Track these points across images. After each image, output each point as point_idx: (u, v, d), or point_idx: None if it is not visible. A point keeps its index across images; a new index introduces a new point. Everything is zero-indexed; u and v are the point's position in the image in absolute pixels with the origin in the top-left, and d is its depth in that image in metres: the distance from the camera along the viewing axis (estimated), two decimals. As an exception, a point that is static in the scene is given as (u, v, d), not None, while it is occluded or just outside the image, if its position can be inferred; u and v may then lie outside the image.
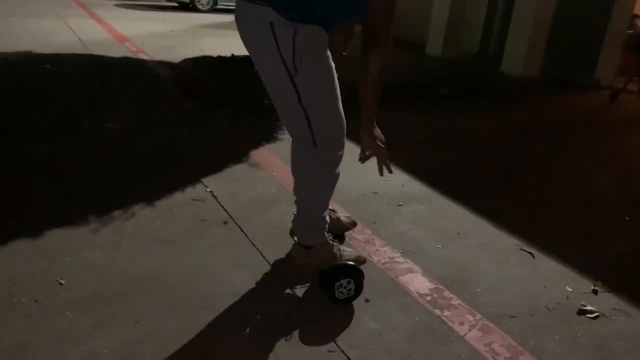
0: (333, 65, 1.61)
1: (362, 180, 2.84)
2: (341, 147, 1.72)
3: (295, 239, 1.93)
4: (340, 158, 1.73)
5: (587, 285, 2.05)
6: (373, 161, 1.81)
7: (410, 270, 2.06)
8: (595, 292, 2.01)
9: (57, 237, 2.09)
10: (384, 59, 1.60)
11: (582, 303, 1.92)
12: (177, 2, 11.74)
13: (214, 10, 11.65)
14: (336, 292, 1.79)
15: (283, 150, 3.10)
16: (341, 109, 1.67)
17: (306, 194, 1.80)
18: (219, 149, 3.27)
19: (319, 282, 1.84)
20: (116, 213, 2.33)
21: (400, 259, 2.14)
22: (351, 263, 1.84)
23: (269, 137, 3.53)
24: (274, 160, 3.13)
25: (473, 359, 1.60)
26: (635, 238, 2.58)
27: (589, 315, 1.86)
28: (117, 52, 5.97)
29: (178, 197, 2.55)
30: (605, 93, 6.20)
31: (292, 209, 1.90)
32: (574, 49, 6.71)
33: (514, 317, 1.82)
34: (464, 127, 4.33)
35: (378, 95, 1.67)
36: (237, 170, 2.95)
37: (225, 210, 2.44)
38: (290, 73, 1.53)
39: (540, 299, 1.94)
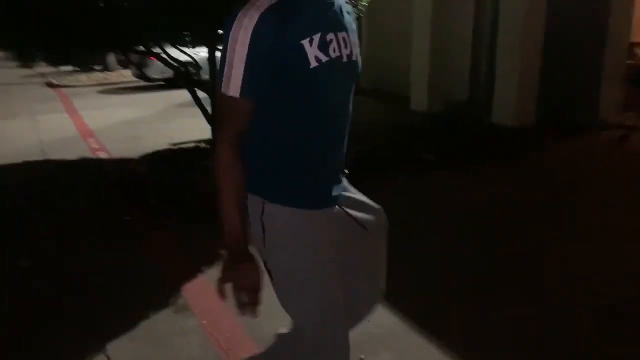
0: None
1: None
2: None
3: None
4: None
5: None
6: None
7: None
8: None
9: None
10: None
11: None
12: (163, 80, 11.48)
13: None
14: None
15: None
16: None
17: None
18: (140, 289, 2.66)
19: None
20: None
21: None
22: None
23: (212, 256, 2.94)
24: (207, 298, 2.51)
25: None
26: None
27: None
28: (76, 152, 5.55)
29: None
30: (614, 133, 5.58)
31: None
32: (570, 88, 6.13)
33: None
34: (449, 206, 3.72)
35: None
36: (155, 321, 2.35)
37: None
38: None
39: None
